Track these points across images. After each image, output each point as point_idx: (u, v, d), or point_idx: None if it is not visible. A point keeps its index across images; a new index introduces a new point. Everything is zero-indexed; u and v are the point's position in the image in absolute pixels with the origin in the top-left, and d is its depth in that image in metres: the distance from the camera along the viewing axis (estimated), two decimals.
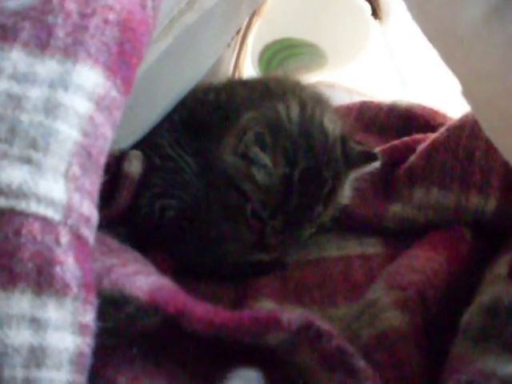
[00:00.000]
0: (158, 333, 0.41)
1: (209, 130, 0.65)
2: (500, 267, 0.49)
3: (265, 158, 0.59)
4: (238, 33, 0.77)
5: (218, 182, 0.63)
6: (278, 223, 0.60)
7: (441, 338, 0.45)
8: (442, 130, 0.63)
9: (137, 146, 0.66)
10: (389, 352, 0.43)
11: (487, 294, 0.43)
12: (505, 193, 0.58)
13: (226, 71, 0.83)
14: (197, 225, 0.64)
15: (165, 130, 0.67)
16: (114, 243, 0.48)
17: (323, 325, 0.40)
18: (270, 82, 0.70)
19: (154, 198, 0.64)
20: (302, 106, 0.63)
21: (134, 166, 0.62)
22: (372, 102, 0.78)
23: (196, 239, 0.64)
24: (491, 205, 0.59)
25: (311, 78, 0.86)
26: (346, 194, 0.64)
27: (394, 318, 0.46)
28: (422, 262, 0.54)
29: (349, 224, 0.67)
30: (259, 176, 0.60)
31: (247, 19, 0.77)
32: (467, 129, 0.60)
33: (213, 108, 0.67)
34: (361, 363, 0.38)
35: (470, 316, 0.41)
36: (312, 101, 0.65)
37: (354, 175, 0.63)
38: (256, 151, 0.59)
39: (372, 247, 0.64)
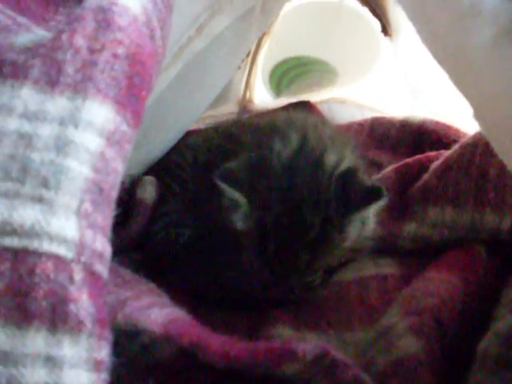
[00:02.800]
0: (173, 363, 0.41)
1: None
2: None
3: (234, 194, 0.56)
4: (248, 55, 0.77)
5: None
6: (265, 272, 0.57)
7: (458, 363, 0.45)
8: (456, 147, 0.62)
9: (157, 173, 0.66)
10: (405, 379, 0.43)
11: (504, 320, 0.43)
12: None
13: (237, 92, 0.83)
14: (207, 254, 0.63)
15: (188, 166, 0.66)
16: (128, 274, 0.48)
17: (339, 355, 0.40)
18: (278, 119, 0.68)
19: (171, 225, 0.64)
20: (302, 142, 0.60)
21: (148, 192, 0.62)
22: (384, 118, 0.78)
23: (207, 268, 0.63)
24: (506, 222, 0.58)
25: (322, 94, 0.86)
26: (354, 234, 0.58)
27: (410, 345, 0.45)
28: (438, 285, 0.53)
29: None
30: (236, 217, 0.58)
31: (257, 39, 0.77)
32: (480, 146, 0.59)
33: (218, 151, 0.65)
34: None
35: (487, 344, 0.41)
36: (317, 135, 0.63)
37: (362, 215, 0.58)
38: (224, 187, 0.56)
39: (387, 268, 0.63)
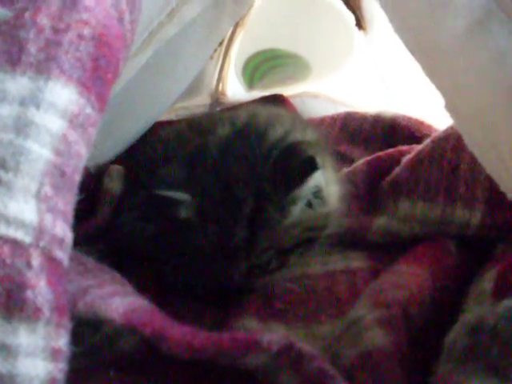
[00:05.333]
0: (135, 355, 0.40)
1: None
2: (485, 283, 0.49)
3: (177, 195, 0.56)
4: (220, 45, 0.76)
5: None
6: (214, 256, 0.57)
7: (425, 356, 0.44)
8: (427, 141, 0.62)
9: (126, 163, 0.65)
10: (372, 372, 0.42)
11: (472, 312, 0.42)
12: (490, 205, 0.57)
13: (210, 84, 0.82)
14: (173, 248, 0.62)
15: (161, 160, 0.64)
16: (90, 262, 0.47)
17: (304, 346, 0.39)
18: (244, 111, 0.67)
19: (137, 219, 0.63)
20: (248, 121, 0.61)
21: (115, 181, 0.61)
22: (357, 113, 0.78)
23: (171, 261, 0.62)
24: (476, 217, 0.58)
25: (295, 88, 0.86)
26: (299, 211, 0.57)
27: (377, 337, 0.45)
28: (407, 278, 0.53)
29: (332, 237, 0.65)
30: (180, 210, 0.57)
31: (230, 31, 0.76)
32: (452, 141, 0.59)
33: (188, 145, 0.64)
34: None
35: (455, 335, 0.40)
36: (267, 115, 0.62)
37: (303, 192, 0.55)
38: (165, 193, 0.56)
39: (356, 261, 0.63)
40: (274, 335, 0.39)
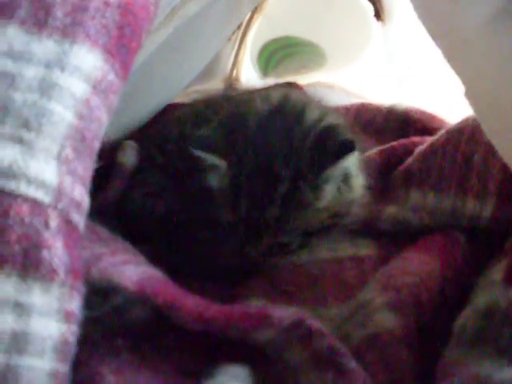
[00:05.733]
0: (144, 325, 0.41)
1: None
2: (494, 273, 0.49)
3: (212, 159, 0.56)
4: (239, 28, 0.76)
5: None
6: (241, 230, 0.57)
7: (434, 343, 0.44)
8: (442, 132, 0.62)
9: (140, 141, 0.65)
10: (381, 354, 0.42)
11: (482, 297, 0.42)
12: (501, 198, 0.57)
13: (224, 69, 0.82)
14: (184, 227, 0.62)
15: (173, 140, 0.65)
16: (104, 232, 0.47)
17: (315, 323, 0.39)
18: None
19: (148, 196, 0.63)
20: (283, 100, 0.60)
21: (129, 156, 0.61)
22: (370, 105, 0.78)
23: (182, 241, 0.62)
24: (487, 210, 0.58)
25: (310, 77, 0.86)
26: (331, 194, 0.58)
27: (387, 320, 0.45)
28: (417, 265, 0.53)
29: (342, 225, 0.65)
30: (212, 178, 0.57)
31: (248, 16, 0.77)
32: (466, 133, 0.59)
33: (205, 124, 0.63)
34: (352, 364, 0.37)
35: (465, 320, 0.41)
36: (300, 95, 0.64)
37: (334, 174, 0.56)
38: (200, 154, 0.56)
39: (365, 249, 0.63)
40: (284, 311, 0.39)
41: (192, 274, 0.60)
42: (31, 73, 0.35)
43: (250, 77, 0.85)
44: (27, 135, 0.34)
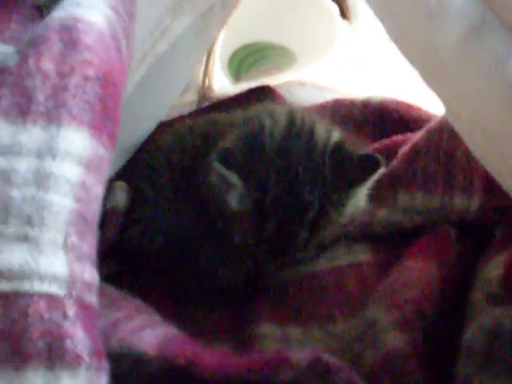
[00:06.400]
0: (165, 377, 0.42)
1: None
2: (491, 272, 0.50)
3: (231, 176, 0.55)
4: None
5: (207, 211, 0.61)
6: (262, 250, 0.58)
7: (441, 351, 0.46)
8: (422, 133, 0.63)
9: (128, 176, 0.65)
10: (395, 374, 0.44)
11: (486, 313, 0.44)
12: (487, 191, 0.59)
13: (196, 80, 0.82)
14: (186, 257, 0.63)
15: (163, 169, 0.65)
16: (113, 293, 0.48)
17: (331, 358, 0.41)
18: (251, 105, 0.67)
19: (144, 232, 0.63)
20: (291, 118, 0.60)
21: (119, 198, 0.61)
22: (345, 100, 0.78)
23: (185, 270, 0.63)
24: (475, 204, 0.60)
25: (282, 77, 0.86)
26: (350, 210, 0.58)
27: (396, 340, 0.47)
28: (417, 275, 0.54)
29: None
30: (231, 198, 0.57)
31: None
32: (446, 131, 0.60)
33: (195, 153, 0.64)
34: None
35: (472, 337, 0.42)
36: (302, 112, 0.63)
37: (361, 188, 0.57)
38: (220, 169, 0.55)
39: (362, 254, 0.64)
40: (301, 352, 0.40)
41: (198, 303, 0.61)
42: (24, 166, 0.35)
43: (222, 84, 0.85)
44: (32, 232, 0.34)
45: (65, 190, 0.36)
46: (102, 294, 0.46)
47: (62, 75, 0.38)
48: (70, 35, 0.39)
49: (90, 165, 0.37)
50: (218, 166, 0.55)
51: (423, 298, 0.51)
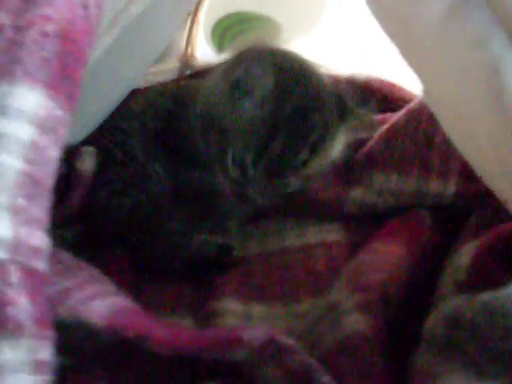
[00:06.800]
0: (119, 353, 0.41)
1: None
2: (460, 258, 0.50)
3: (266, 74, 0.57)
4: (188, 15, 0.74)
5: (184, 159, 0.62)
6: (259, 169, 0.58)
7: (403, 337, 0.45)
8: (401, 113, 0.62)
9: (98, 139, 0.64)
10: (352, 357, 0.43)
11: (449, 302, 0.43)
12: (464, 176, 0.58)
13: (178, 47, 0.79)
14: (154, 221, 0.62)
15: (135, 132, 0.65)
16: (69, 260, 0.46)
17: (286, 340, 0.40)
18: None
19: (113, 195, 0.62)
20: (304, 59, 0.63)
21: (88, 163, 0.60)
22: (329, 76, 0.77)
23: (152, 237, 0.62)
24: (450, 189, 0.59)
25: None
26: (335, 149, 0.62)
27: (356, 322, 0.46)
28: (384, 257, 0.54)
29: (308, 209, 0.66)
30: (247, 106, 0.58)
31: None
32: (426, 113, 0.59)
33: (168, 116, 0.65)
34: (326, 378, 0.38)
35: (433, 325, 0.41)
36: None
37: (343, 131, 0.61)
38: (258, 64, 0.57)
39: (332, 234, 0.63)
40: (255, 330, 0.39)
41: (162, 273, 0.60)
42: None
43: (205, 53, 0.83)
44: None
45: (14, 150, 0.34)
46: (56, 260, 0.45)
47: (18, 29, 0.36)
48: None
49: (43, 125, 0.36)
50: (253, 63, 0.58)
51: (389, 281, 0.50)
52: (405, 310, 0.49)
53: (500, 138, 0.40)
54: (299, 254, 0.61)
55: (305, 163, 0.59)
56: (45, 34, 0.36)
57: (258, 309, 0.56)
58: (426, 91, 0.45)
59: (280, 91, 0.58)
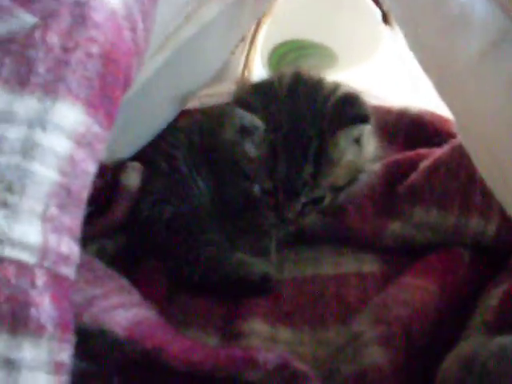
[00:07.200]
0: (138, 363, 0.42)
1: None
2: (492, 298, 0.48)
3: (253, 119, 0.60)
4: (242, 40, 0.76)
5: (226, 174, 0.65)
6: (279, 192, 0.61)
7: (426, 374, 0.45)
8: (446, 148, 0.61)
9: (146, 152, 0.67)
10: None
11: (467, 342, 0.42)
12: (505, 216, 0.56)
13: (236, 70, 0.82)
14: (194, 231, 0.64)
15: (182, 146, 0.68)
16: (101, 269, 0.48)
17: (300, 365, 0.40)
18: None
19: (155, 204, 0.65)
20: (297, 73, 0.66)
21: (132, 178, 0.62)
22: (382, 107, 0.76)
23: (190, 249, 0.63)
24: (491, 228, 0.58)
25: None
26: (351, 154, 0.62)
27: (375, 355, 0.45)
28: (412, 292, 0.53)
29: (346, 238, 0.66)
30: (249, 145, 0.61)
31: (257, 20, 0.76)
32: None
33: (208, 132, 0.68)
34: None
35: (449, 365, 0.40)
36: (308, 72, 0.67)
37: (351, 134, 0.61)
38: (243, 114, 0.60)
39: (368, 264, 0.63)
40: (270, 353, 0.40)
41: (195, 289, 0.61)
42: (14, 134, 0.36)
43: (261, 78, 0.84)
44: (11, 198, 0.34)
45: (50, 162, 0.36)
46: (88, 268, 0.47)
47: (65, 50, 0.38)
48: (80, 11, 0.39)
49: (81, 140, 0.38)
50: (239, 112, 0.60)
51: (414, 317, 0.49)
52: (432, 346, 0.48)
53: None
54: (333, 281, 0.61)
55: (314, 176, 0.61)
56: (89, 55, 0.39)
57: (284, 333, 0.56)
58: (458, 123, 0.44)
59: (272, 126, 0.60)
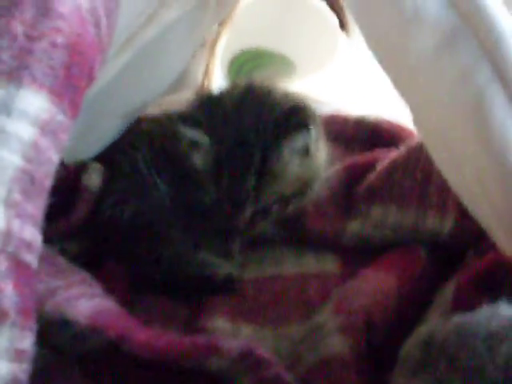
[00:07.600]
0: (100, 354, 0.42)
1: None
2: (448, 292, 0.50)
3: (197, 135, 0.61)
4: (203, 45, 0.77)
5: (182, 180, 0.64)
6: (224, 204, 0.61)
7: (386, 365, 0.45)
8: (402, 150, 0.63)
9: (108, 153, 0.67)
10: (330, 379, 0.44)
11: (427, 325, 0.43)
12: (461, 215, 0.58)
13: (196, 78, 0.83)
14: (155, 233, 0.64)
15: (142, 147, 0.67)
16: (63, 263, 0.48)
17: (263, 353, 0.40)
18: None
19: (116, 204, 0.64)
20: (249, 84, 0.66)
21: (93, 179, 0.62)
22: (339, 116, 0.78)
23: (152, 249, 0.63)
24: (447, 226, 0.59)
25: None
26: (296, 164, 0.62)
27: (337, 344, 0.46)
28: (372, 284, 0.54)
29: (306, 238, 0.67)
30: (196, 158, 0.62)
31: (216, 29, 0.77)
32: (425, 150, 0.60)
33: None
34: None
35: (409, 347, 0.42)
36: (262, 83, 0.67)
37: (295, 144, 0.61)
38: (185, 130, 0.61)
39: (329, 264, 0.64)
40: (234, 341, 0.40)
41: (156, 290, 0.61)
42: None
43: (221, 86, 0.86)
44: None
45: (14, 147, 0.36)
46: (50, 262, 0.47)
47: (30, 39, 0.39)
48: (44, 2, 0.40)
49: (45, 127, 0.38)
50: (183, 130, 0.61)
51: (374, 307, 0.50)
52: (390, 337, 0.49)
53: (485, 170, 0.41)
54: (294, 281, 0.62)
55: (257, 188, 0.61)
56: (54, 45, 0.39)
57: (246, 329, 0.56)
58: (415, 119, 0.46)
59: (216, 139, 0.61)
